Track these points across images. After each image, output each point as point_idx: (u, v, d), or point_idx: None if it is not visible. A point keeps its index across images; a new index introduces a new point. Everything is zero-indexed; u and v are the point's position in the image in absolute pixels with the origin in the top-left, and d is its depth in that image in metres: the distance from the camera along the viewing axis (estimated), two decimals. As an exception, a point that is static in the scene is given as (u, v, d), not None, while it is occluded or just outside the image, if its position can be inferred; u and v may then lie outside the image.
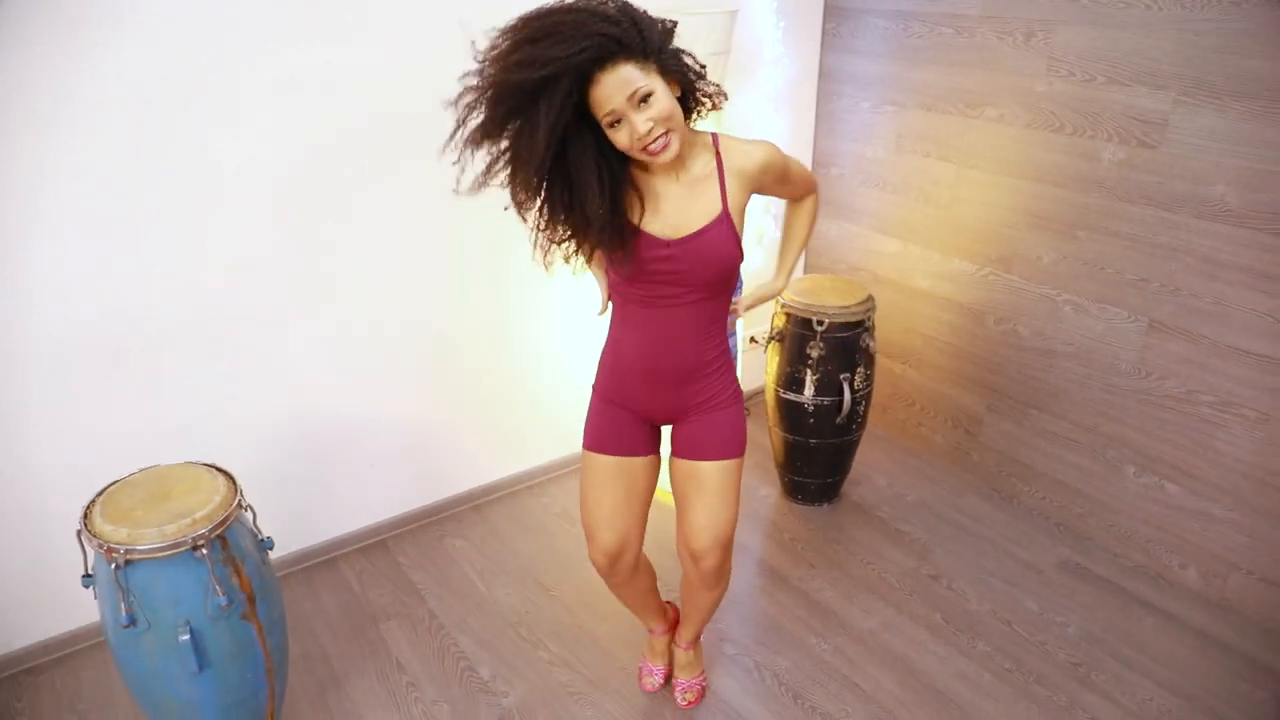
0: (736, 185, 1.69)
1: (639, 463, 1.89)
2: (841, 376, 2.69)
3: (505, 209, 1.56)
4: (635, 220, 1.65)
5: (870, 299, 2.73)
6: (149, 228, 2.14)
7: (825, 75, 3.21)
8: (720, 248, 1.67)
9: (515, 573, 2.67)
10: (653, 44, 1.51)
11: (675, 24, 1.59)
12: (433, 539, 2.82)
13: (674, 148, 1.56)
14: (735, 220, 1.69)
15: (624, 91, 1.47)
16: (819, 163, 3.35)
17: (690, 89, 1.61)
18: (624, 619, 2.46)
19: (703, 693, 2.23)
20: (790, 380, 2.75)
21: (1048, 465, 2.84)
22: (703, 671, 2.26)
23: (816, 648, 2.40)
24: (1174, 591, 2.58)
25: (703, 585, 1.97)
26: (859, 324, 2.67)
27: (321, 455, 2.63)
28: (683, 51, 1.59)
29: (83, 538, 1.70)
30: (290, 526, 2.64)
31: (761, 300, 2.09)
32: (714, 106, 1.68)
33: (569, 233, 1.61)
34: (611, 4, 1.50)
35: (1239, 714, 2.18)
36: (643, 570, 2.04)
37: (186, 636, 1.71)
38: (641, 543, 1.97)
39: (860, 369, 2.71)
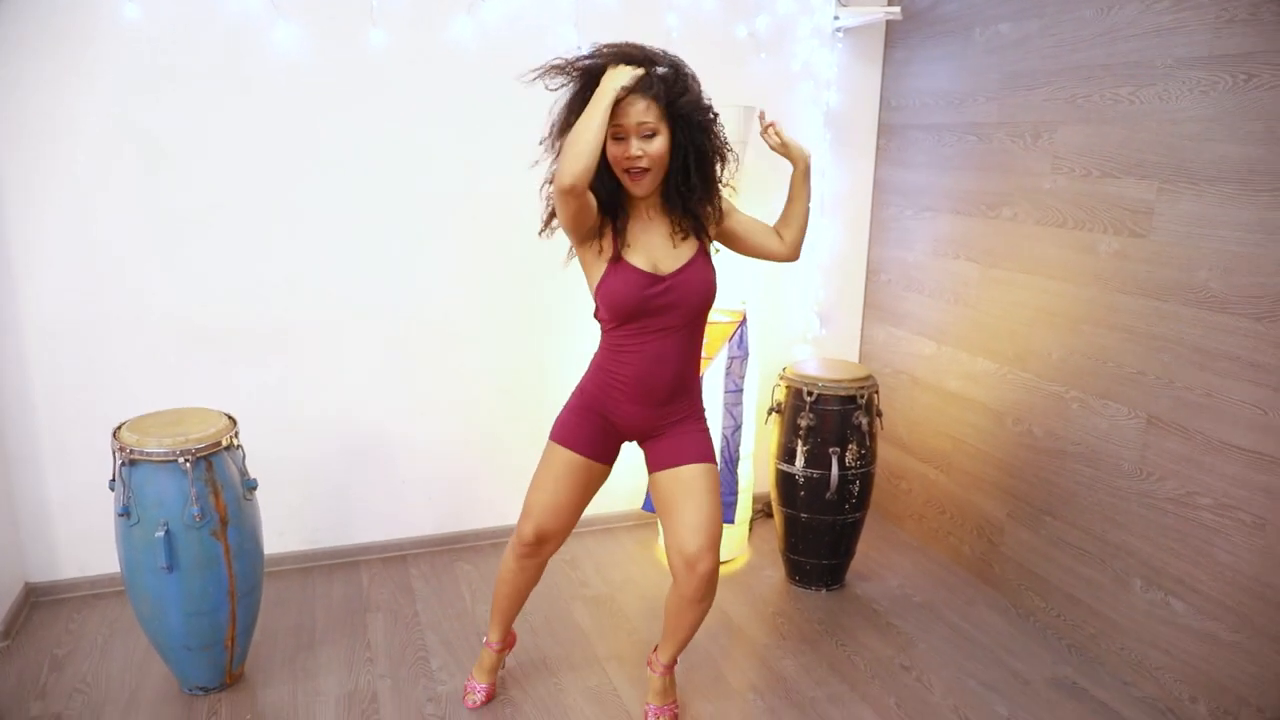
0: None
1: (598, 468, 2.11)
2: (830, 450, 2.73)
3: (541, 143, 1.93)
4: (630, 259, 1.94)
5: (869, 378, 2.79)
6: (251, 246, 2.74)
7: (878, 186, 3.41)
8: (704, 277, 1.99)
9: (504, 597, 2.86)
10: (677, 106, 1.84)
11: (715, 115, 1.92)
12: (446, 562, 3.09)
13: (646, 185, 1.90)
14: (709, 253, 2.03)
15: (637, 118, 1.82)
16: (871, 269, 3.49)
17: (694, 162, 1.90)
18: (575, 645, 2.57)
19: None
20: (785, 452, 2.83)
21: (1061, 578, 2.65)
22: (675, 701, 2.26)
23: (751, 703, 2.36)
24: (1182, 729, 2.28)
25: (694, 596, 2.02)
26: (850, 399, 2.73)
27: (364, 468, 3.03)
28: (709, 136, 1.90)
29: (111, 444, 2.17)
30: (327, 528, 3.03)
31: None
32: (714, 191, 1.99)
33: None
34: (670, 66, 1.86)
35: None
36: (542, 569, 2.22)
37: (162, 534, 2.09)
38: (564, 539, 2.15)
39: (852, 445, 2.74)
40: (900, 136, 3.27)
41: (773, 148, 2.11)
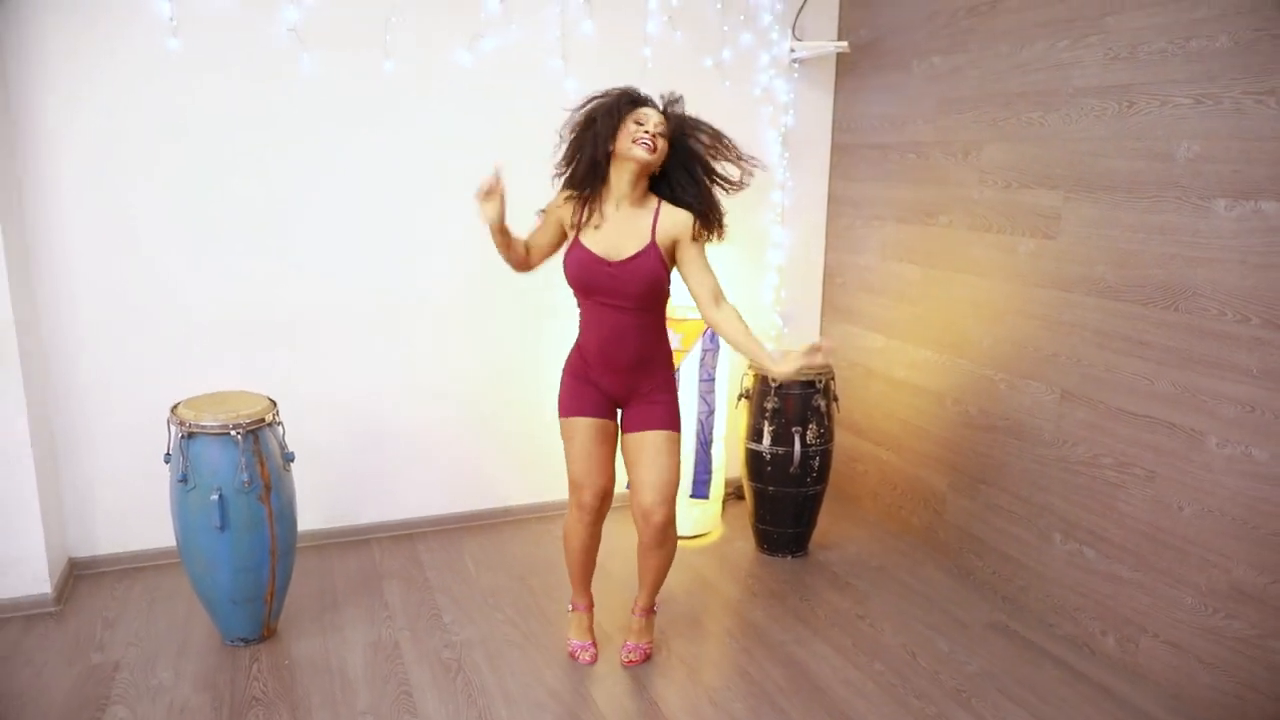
0: (664, 229, 2.32)
1: (609, 424, 2.46)
2: (793, 429, 3.11)
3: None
4: (585, 242, 2.32)
5: (826, 367, 3.18)
6: (273, 252, 3.07)
7: (833, 199, 3.82)
8: (649, 269, 2.30)
9: (505, 567, 3.19)
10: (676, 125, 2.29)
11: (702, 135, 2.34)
12: (450, 538, 3.41)
13: (651, 157, 2.23)
14: (662, 253, 2.31)
15: (656, 122, 2.26)
16: (829, 273, 3.89)
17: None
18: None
19: (646, 657, 2.60)
20: (754, 432, 3.20)
21: (995, 539, 3.04)
22: (651, 641, 2.63)
23: (727, 645, 2.71)
24: (1095, 659, 2.66)
25: (652, 543, 2.42)
26: (810, 384, 3.12)
27: (373, 454, 3.35)
28: (699, 159, 2.32)
29: (169, 421, 2.48)
30: (339, 509, 3.34)
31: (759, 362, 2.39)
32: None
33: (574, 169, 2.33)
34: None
35: (1101, 744, 2.26)
36: (600, 526, 2.53)
37: (216, 498, 2.41)
38: (614, 490, 2.49)
39: (813, 425, 3.12)
40: (851, 154, 3.69)
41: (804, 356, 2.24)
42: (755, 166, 2.36)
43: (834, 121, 3.77)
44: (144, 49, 2.81)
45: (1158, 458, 2.48)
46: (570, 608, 2.67)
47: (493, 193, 2.28)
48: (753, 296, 3.81)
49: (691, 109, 2.40)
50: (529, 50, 3.25)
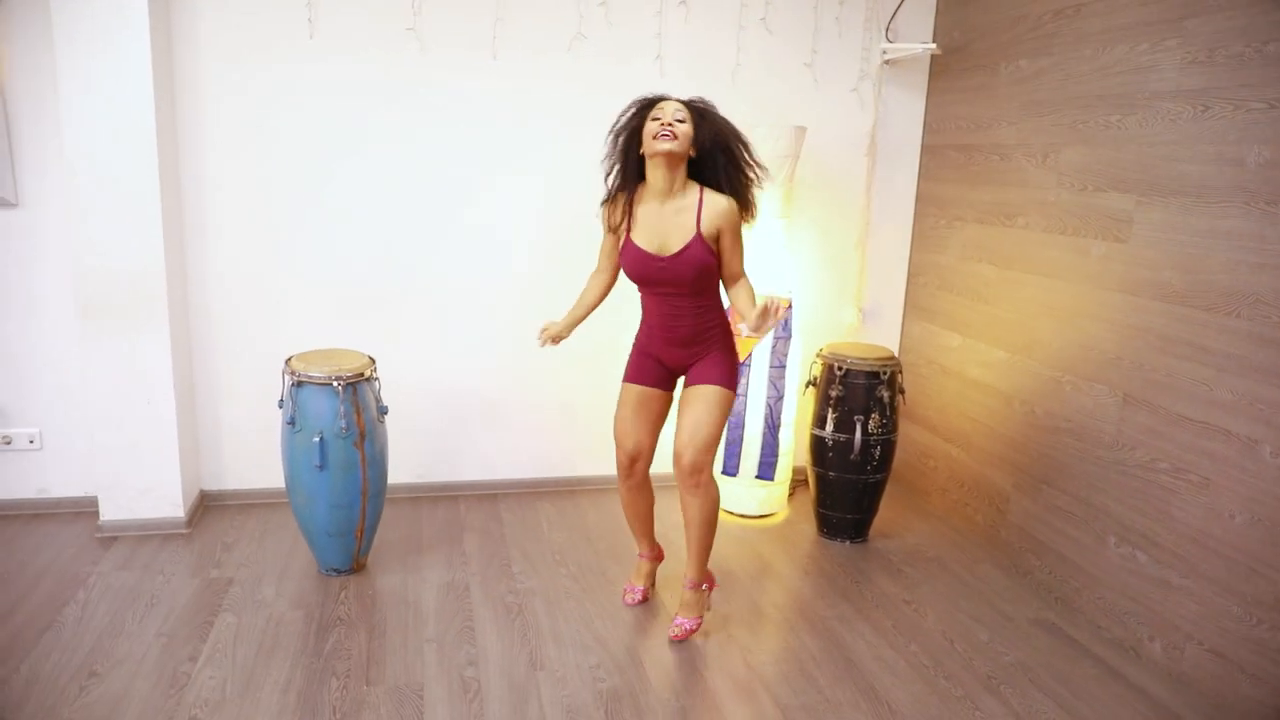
0: (707, 217, 2.47)
1: (658, 394, 2.68)
2: (856, 417, 3.21)
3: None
4: (637, 240, 2.52)
5: (892, 359, 3.26)
6: (385, 229, 3.42)
7: (920, 199, 3.87)
8: (698, 259, 2.47)
9: (575, 529, 3.43)
10: (702, 123, 2.45)
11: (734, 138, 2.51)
12: (529, 501, 3.68)
13: (672, 145, 2.39)
14: (708, 242, 2.47)
15: (672, 111, 2.43)
16: (912, 273, 3.94)
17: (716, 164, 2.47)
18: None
19: (689, 634, 2.70)
20: (818, 418, 3.32)
21: (1054, 540, 3.05)
22: (700, 617, 2.73)
23: (770, 615, 2.85)
24: (1140, 663, 2.65)
25: (683, 488, 2.59)
26: (875, 375, 3.20)
27: (466, 420, 3.65)
28: (732, 150, 2.47)
29: (283, 370, 2.84)
30: (432, 466, 3.66)
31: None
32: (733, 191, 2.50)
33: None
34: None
35: (1125, 740, 2.28)
36: (648, 486, 2.76)
37: (317, 439, 2.74)
38: (652, 456, 2.70)
39: (875, 415, 3.21)
40: (938, 156, 3.73)
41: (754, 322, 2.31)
42: (764, 175, 2.56)
43: (924, 122, 3.81)
44: (286, 42, 3.20)
45: (1213, 465, 2.46)
46: (638, 554, 2.92)
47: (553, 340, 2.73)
48: (836, 292, 3.91)
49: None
50: (627, 50, 3.46)
